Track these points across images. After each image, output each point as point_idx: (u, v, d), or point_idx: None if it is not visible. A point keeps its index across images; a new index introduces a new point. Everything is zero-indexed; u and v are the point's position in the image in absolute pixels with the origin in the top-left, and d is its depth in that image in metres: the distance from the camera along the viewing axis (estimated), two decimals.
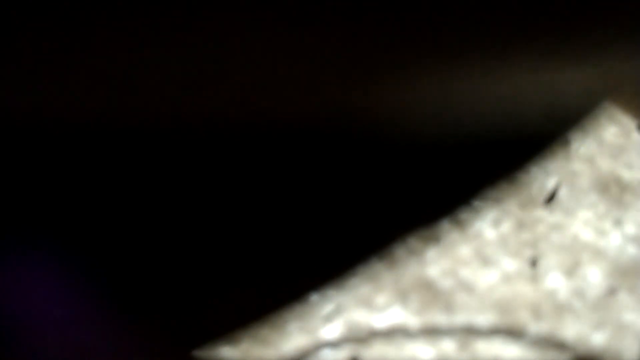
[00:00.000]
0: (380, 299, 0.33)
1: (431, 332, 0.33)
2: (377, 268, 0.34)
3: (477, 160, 0.37)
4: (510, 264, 0.35)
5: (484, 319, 0.33)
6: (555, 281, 0.35)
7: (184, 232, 0.34)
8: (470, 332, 0.33)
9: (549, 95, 0.38)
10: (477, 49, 0.35)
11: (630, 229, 0.37)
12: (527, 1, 0.35)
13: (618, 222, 0.37)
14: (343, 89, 0.34)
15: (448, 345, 0.33)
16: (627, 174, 0.39)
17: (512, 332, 0.33)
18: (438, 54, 0.35)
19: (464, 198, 0.36)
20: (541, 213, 0.37)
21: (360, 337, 0.32)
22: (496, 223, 0.36)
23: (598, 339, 0.33)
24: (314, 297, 0.33)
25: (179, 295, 0.32)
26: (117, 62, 0.32)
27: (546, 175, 0.39)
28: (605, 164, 0.40)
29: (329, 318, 0.33)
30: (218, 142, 0.34)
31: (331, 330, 0.32)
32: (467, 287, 0.34)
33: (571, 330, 0.34)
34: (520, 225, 0.36)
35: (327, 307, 0.33)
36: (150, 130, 0.33)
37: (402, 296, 0.34)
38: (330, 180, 0.36)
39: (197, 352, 0.31)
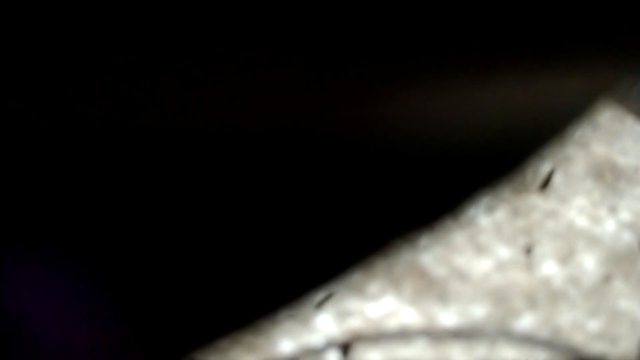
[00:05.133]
0: (373, 286, 0.33)
1: (425, 322, 0.32)
2: (370, 255, 0.34)
3: (471, 162, 0.37)
4: (504, 252, 0.35)
5: (478, 308, 0.33)
6: (550, 269, 0.34)
7: (176, 222, 0.34)
8: (465, 322, 0.32)
9: (542, 100, 0.38)
10: (471, 57, 0.36)
11: (625, 215, 0.37)
12: (519, 12, 0.35)
13: (613, 209, 0.37)
14: (346, 97, 0.35)
15: (443, 335, 0.32)
16: (622, 160, 0.39)
17: (507, 321, 0.33)
18: (438, 65, 0.35)
19: (461, 191, 0.36)
20: (536, 200, 0.37)
21: (353, 326, 0.32)
22: (490, 210, 0.36)
23: (593, 327, 0.33)
24: (306, 285, 0.32)
25: (170, 284, 0.32)
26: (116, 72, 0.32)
27: (540, 161, 0.38)
28: (600, 150, 0.39)
29: (320, 306, 0.32)
30: (217, 144, 0.34)
31: (323, 319, 0.32)
32: (462, 275, 0.34)
33: (566, 317, 0.33)
34: (515, 212, 0.36)
35: (319, 295, 0.32)
36: (152, 136, 0.33)
37: (395, 284, 0.33)
38: (324, 175, 0.35)
39: (187, 340, 0.31)
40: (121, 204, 0.33)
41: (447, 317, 0.33)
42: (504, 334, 0.32)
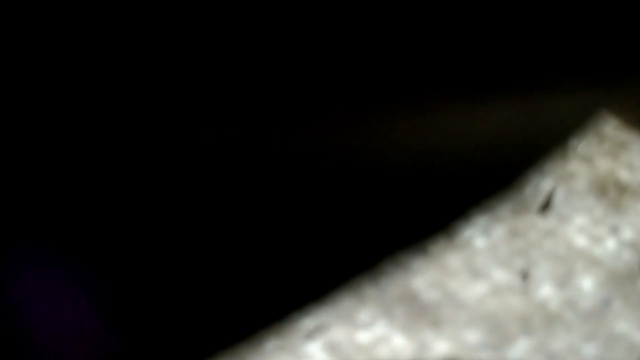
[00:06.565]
0: (364, 314, 0.33)
1: (417, 349, 0.32)
2: (360, 280, 0.33)
3: (468, 180, 0.36)
4: (500, 275, 0.34)
5: (472, 334, 0.32)
6: (546, 292, 0.34)
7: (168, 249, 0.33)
8: (458, 350, 0.32)
9: (543, 114, 0.37)
10: (468, 74, 0.36)
11: (626, 234, 0.36)
12: (516, 28, 0.35)
13: (614, 228, 0.36)
14: (348, 123, 0.35)
15: None
16: (626, 175, 0.38)
17: (501, 348, 0.32)
18: (433, 83, 0.36)
19: (457, 211, 0.35)
20: (534, 218, 0.36)
21: (343, 355, 0.32)
22: (487, 230, 0.35)
23: (589, 351, 0.33)
24: (294, 313, 0.32)
25: (160, 312, 0.32)
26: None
27: (541, 177, 0.38)
28: (604, 164, 0.38)
29: (310, 335, 0.32)
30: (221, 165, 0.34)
31: (312, 349, 0.32)
32: (455, 300, 0.33)
33: (561, 342, 0.33)
34: (512, 233, 0.35)
35: (308, 324, 0.32)
36: (161, 143, 0.33)
37: (387, 310, 0.33)
38: (312, 197, 0.35)
39: None
40: (124, 217, 0.33)
41: (440, 345, 0.32)
42: None
